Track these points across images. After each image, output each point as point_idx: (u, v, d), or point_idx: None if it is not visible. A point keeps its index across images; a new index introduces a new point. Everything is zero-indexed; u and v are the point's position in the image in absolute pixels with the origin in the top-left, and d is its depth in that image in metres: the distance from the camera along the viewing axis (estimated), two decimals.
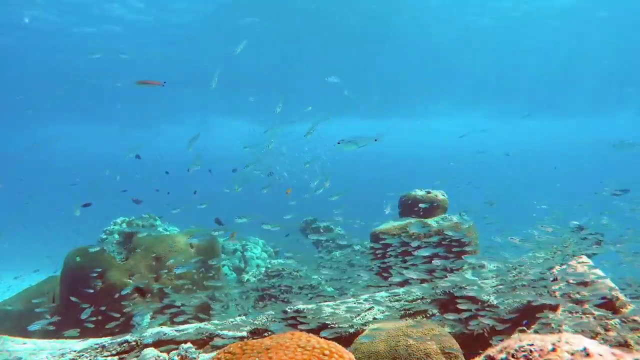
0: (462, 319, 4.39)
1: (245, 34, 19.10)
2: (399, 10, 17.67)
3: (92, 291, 6.54)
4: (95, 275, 6.77)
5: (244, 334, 4.61)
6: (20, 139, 33.20)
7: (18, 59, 20.45)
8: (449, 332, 4.20)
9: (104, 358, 4.36)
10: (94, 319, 5.78)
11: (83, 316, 5.57)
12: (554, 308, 4.55)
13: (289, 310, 4.68)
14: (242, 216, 6.26)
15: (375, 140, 4.82)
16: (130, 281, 7.01)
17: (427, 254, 5.29)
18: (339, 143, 4.88)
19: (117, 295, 6.61)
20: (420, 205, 7.50)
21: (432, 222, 7.17)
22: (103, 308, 6.21)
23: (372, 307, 4.79)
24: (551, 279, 4.82)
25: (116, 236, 8.36)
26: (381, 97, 27.98)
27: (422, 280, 5.27)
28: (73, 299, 6.36)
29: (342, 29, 19.05)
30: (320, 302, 4.95)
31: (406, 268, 5.31)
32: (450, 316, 4.37)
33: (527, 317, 4.74)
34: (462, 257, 5.64)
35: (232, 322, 4.81)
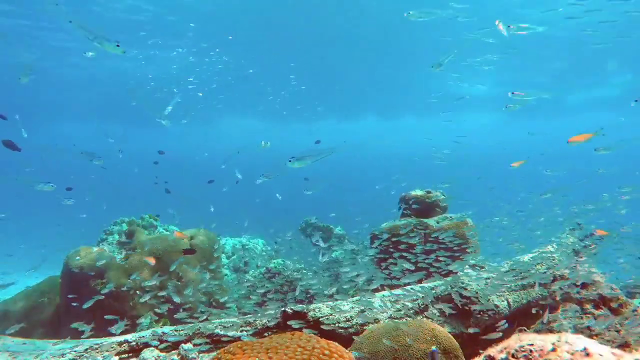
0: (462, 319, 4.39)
1: (244, 35, 19.20)
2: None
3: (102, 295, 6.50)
4: (97, 274, 6.77)
5: (244, 334, 4.61)
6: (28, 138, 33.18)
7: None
8: (449, 332, 4.19)
9: (104, 358, 4.36)
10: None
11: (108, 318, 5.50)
12: (554, 308, 4.55)
13: (289, 311, 4.68)
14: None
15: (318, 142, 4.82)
16: (130, 281, 7.02)
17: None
18: (290, 161, 4.72)
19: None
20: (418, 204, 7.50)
21: (431, 221, 7.16)
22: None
23: (373, 307, 4.79)
24: (552, 279, 4.82)
25: (116, 236, 8.36)
26: (387, 96, 28.09)
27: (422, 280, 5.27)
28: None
29: (343, 31, 19.02)
30: (320, 302, 4.95)
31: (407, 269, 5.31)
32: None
33: (527, 316, 4.74)
34: (462, 256, 5.64)
35: (232, 322, 4.81)
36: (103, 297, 6.20)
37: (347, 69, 23.36)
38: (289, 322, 4.52)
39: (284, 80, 23.88)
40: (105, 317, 5.65)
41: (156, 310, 6.91)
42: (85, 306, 5.51)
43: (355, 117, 34.50)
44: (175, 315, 5.83)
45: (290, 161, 4.70)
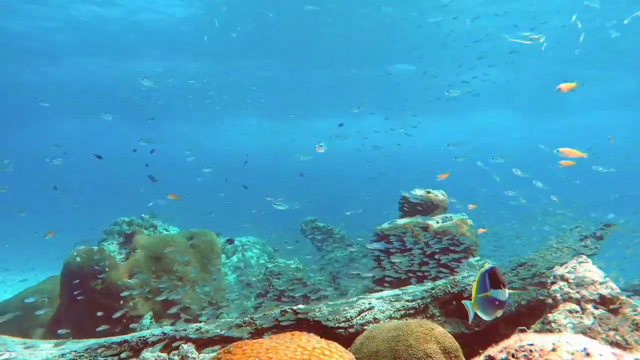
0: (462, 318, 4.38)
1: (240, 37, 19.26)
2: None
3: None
4: (97, 274, 6.77)
5: (244, 334, 4.60)
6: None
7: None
8: (449, 332, 4.19)
9: (104, 358, 4.36)
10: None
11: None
12: (554, 308, 4.55)
13: (288, 310, 4.68)
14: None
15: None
16: (130, 281, 7.02)
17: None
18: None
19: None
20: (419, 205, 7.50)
21: (432, 221, 7.16)
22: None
23: (372, 307, 4.79)
24: (552, 278, 4.81)
25: (116, 236, 8.35)
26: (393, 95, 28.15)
27: (421, 280, 5.28)
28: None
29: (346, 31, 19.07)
30: (320, 302, 4.95)
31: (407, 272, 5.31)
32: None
33: (527, 316, 4.74)
34: (462, 256, 5.64)
35: (232, 322, 4.80)
36: (126, 310, 6.21)
37: (348, 68, 23.38)
38: (288, 322, 4.52)
39: (282, 80, 23.92)
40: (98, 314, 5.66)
41: (156, 310, 6.91)
42: (115, 316, 5.52)
43: (359, 115, 34.42)
44: (173, 313, 5.84)
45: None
